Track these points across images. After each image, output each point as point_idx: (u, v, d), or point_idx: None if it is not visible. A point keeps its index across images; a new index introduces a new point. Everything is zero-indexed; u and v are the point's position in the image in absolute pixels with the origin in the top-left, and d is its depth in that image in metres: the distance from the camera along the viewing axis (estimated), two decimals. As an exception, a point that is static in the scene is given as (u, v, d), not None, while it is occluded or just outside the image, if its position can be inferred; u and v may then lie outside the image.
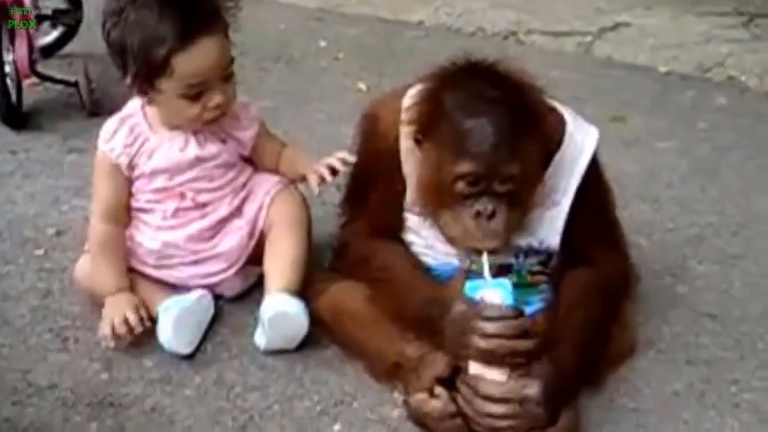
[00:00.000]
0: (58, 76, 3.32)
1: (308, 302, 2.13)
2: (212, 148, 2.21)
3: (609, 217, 2.16)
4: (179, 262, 2.24)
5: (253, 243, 2.28)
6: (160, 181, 2.20)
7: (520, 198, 1.91)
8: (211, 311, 2.23)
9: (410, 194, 2.04)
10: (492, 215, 1.88)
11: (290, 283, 2.18)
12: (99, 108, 3.17)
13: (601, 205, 2.11)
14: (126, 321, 2.08)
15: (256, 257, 2.28)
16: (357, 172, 2.19)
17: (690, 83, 3.70)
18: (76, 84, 3.27)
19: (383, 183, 2.07)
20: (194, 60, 2.07)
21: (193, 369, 2.07)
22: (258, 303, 2.18)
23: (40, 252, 2.47)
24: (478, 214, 1.88)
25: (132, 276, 2.22)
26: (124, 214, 2.22)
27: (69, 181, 2.83)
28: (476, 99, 1.86)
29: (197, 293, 2.20)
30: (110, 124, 2.21)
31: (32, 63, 3.14)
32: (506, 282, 1.88)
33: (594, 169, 2.05)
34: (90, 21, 3.60)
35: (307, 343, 2.12)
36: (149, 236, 2.23)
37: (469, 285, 1.88)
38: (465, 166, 1.85)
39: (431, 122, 1.90)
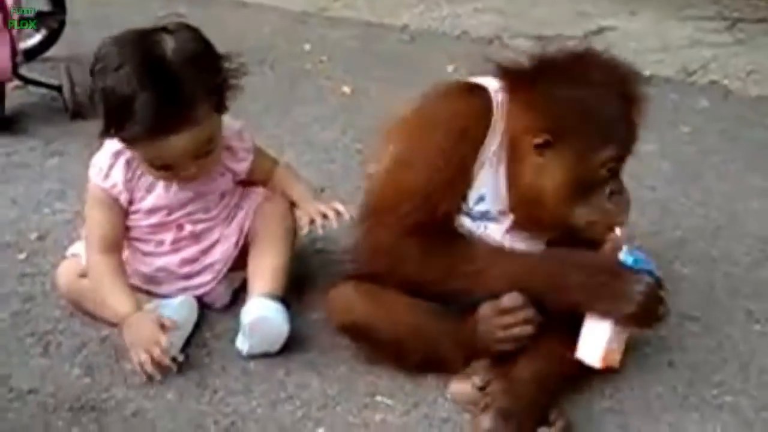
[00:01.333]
0: (41, 79, 3.31)
1: (290, 307, 2.14)
2: (210, 182, 2.20)
3: None
4: (169, 279, 2.24)
5: (237, 251, 2.27)
6: (158, 217, 2.19)
7: None
8: (195, 315, 2.22)
9: (473, 195, 2.02)
10: (621, 191, 1.99)
11: (272, 288, 2.17)
12: (82, 111, 3.15)
13: None
14: (154, 359, 2.01)
15: (239, 264, 2.27)
16: (421, 173, 1.98)
17: (673, 87, 3.71)
18: (59, 87, 3.26)
19: (451, 182, 1.99)
20: (158, 151, 2.02)
21: (176, 373, 2.06)
22: (239, 307, 2.18)
23: (21, 256, 2.46)
24: (612, 193, 1.96)
25: None
26: (120, 243, 2.19)
27: (51, 184, 2.82)
28: (599, 87, 1.91)
29: (180, 298, 2.19)
30: (103, 158, 2.14)
31: (15, 66, 3.13)
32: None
33: None
34: (73, 24, 3.61)
35: (289, 347, 2.12)
36: (141, 261, 2.23)
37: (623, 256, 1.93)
38: (611, 151, 1.93)
39: (566, 120, 1.91)
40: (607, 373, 1.99)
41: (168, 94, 1.96)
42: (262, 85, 3.62)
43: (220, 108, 2.08)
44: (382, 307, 2.00)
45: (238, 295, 2.27)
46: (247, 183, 2.33)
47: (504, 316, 1.95)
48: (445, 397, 2.00)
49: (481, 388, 1.92)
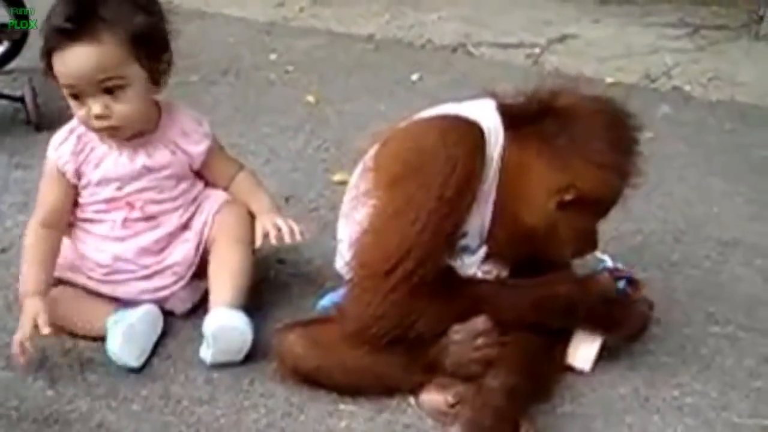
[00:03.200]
0: (4, 91, 3.29)
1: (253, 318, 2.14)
2: (161, 159, 2.20)
3: None
4: (129, 277, 2.23)
5: (198, 257, 2.27)
6: (108, 191, 2.19)
7: None
8: (160, 325, 2.21)
9: (478, 232, 2.03)
10: None
11: (233, 297, 2.17)
12: (45, 123, 3.14)
13: None
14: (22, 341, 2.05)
15: (201, 271, 2.27)
16: (424, 227, 1.88)
17: (636, 93, 3.74)
18: (21, 99, 3.24)
19: (455, 230, 1.95)
20: (62, 64, 2.05)
21: (140, 383, 2.06)
22: (203, 316, 2.18)
23: (-16, 269, 2.45)
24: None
25: (78, 291, 2.20)
26: (63, 221, 2.20)
27: (14, 197, 2.80)
28: (619, 150, 1.96)
29: (145, 307, 2.18)
30: (61, 132, 2.20)
31: (-23, 78, 3.12)
32: None
33: None
34: (36, 36, 3.59)
35: (254, 356, 2.11)
36: (97, 248, 2.22)
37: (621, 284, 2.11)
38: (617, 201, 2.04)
39: (592, 184, 1.93)
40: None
41: (81, 7, 2.04)
42: (227, 95, 3.64)
43: (140, 54, 2.08)
44: (331, 351, 1.99)
45: (201, 303, 2.27)
46: (207, 183, 2.33)
47: (478, 339, 1.97)
48: (408, 404, 2.01)
49: (453, 405, 1.93)
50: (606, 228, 2.64)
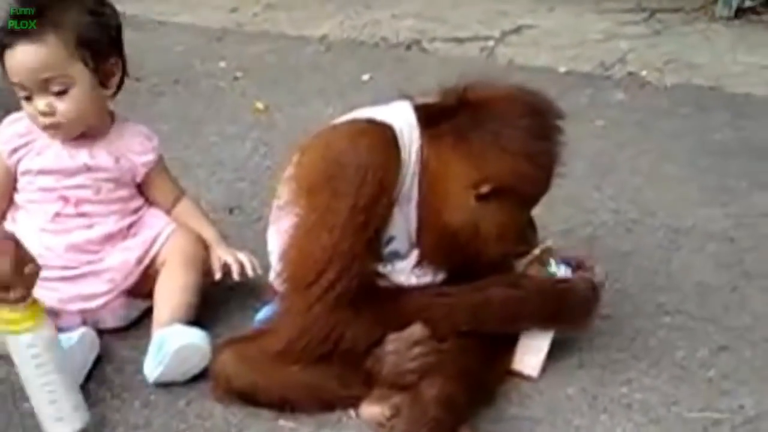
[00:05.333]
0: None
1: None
2: (103, 161, 2.20)
3: None
4: (59, 276, 2.16)
5: (140, 270, 2.21)
6: (45, 181, 2.19)
7: None
8: (96, 349, 2.15)
9: (407, 232, 1.97)
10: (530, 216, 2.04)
11: (187, 313, 2.14)
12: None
13: None
14: None
15: (141, 291, 2.22)
16: (340, 236, 1.84)
17: (589, 81, 3.71)
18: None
19: (373, 238, 1.89)
20: (9, 62, 2.10)
21: (75, 411, 2.00)
22: (140, 336, 2.13)
23: None
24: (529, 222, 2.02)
25: None
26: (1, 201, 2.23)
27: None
28: (537, 137, 1.87)
29: (80, 331, 2.12)
30: (10, 117, 2.24)
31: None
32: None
33: None
34: None
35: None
36: (29, 239, 2.14)
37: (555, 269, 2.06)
38: (544, 192, 1.97)
39: (507, 174, 1.86)
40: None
41: (30, 7, 2.09)
42: (174, 105, 3.59)
43: (85, 55, 2.11)
44: (264, 368, 1.93)
45: (135, 323, 2.23)
46: (149, 200, 2.31)
47: (414, 348, 1.92)
48: (349, 417, 1.96)
49: (390, 417, 1.88)
50: (555, 220, 2.62)
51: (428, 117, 1.91)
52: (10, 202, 2.24)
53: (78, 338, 2.09)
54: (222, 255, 2.24)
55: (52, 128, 2.16)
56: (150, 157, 2.26)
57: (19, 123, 2.21)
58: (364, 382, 1.94)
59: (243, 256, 2.24)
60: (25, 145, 2.20)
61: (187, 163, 3.01)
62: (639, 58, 3.98)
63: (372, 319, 1.90)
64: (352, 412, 1.96)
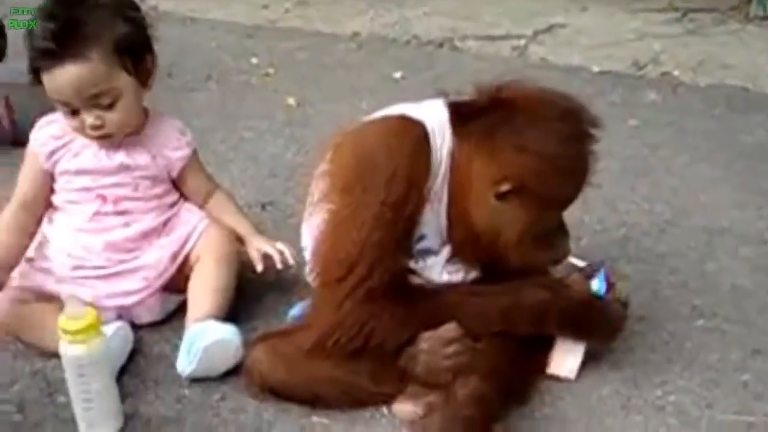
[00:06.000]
0: (-21, 108, 3.25)
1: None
2: (140, 159, 2.20)
3: None
4: (95, 275, 2.18)
5: (175, 267, 2.22)
6: (83, 182, 2.19)
7: None
8: (130, 343, 2.17)
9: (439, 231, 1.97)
10: (563, 224, 2.01)
11: (220, 309, 2.15)
12: (21, 139, 3.08)
13: None
14: None
15: (176, 286, 2.23)
16: (370, 232, 1.85)
17: (622, 81, 3.69)
18: (-4, 115, 3.20)
19: (404, 234, 1.90)
20: (52, 83, 2.07)
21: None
22: (174, 330, 2.14)
23: (-45, 288, 2.40)
24: (559, 227, 1.99)
25: (47, 305, 2.14)
26: (41, 205, 2.22)
27: (-10, 215, 2.76)
28: (565, 140, 1.84)
29: (115, 325, 2.13)
30: (49, 116, 2.23)
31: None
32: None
33: None
34: (14, 51, 3.55)
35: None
36: (66, 238, 2.20)
37: (596, 286, 2.02)
38: (570, 198, 1.94)
39: (530, 173, 1.83)
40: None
41: (64, 25, 2.04)
42: (207, 101, 3.60)
43: (127, 62, 2.10)
44: (297, 364, 1.94)
45: (170, 317, 2.23)
46: (184, 195, 2.32)
47: (449, 347, 1.91)
48: (382, 414, 1.96)
49: (424, 416, 1.88)
50: (589, 220, 2.61)
51: (460, 115, 1.90)
52: (49, 204, 2.24)
53: (113, 332, 2.10)
54: (261, 246, 2.25)
55: (101, 139, 2.15)
56: (185, 151, 2.27)
57: (53, 125, 2.21)
58: (398, 380, 1.94)
59: (281, 245, 2.25)
60: (63, 146, 2.19)
61: (221, 159, 3.02)
62: (672, 58, 3.95)
63: (404, 316, 1.90)
64: (384, 410, 1.96)
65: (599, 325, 2.01)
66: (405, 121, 1.90)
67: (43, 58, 2.06)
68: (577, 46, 4.15)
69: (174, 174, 2.27)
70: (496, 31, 4.33)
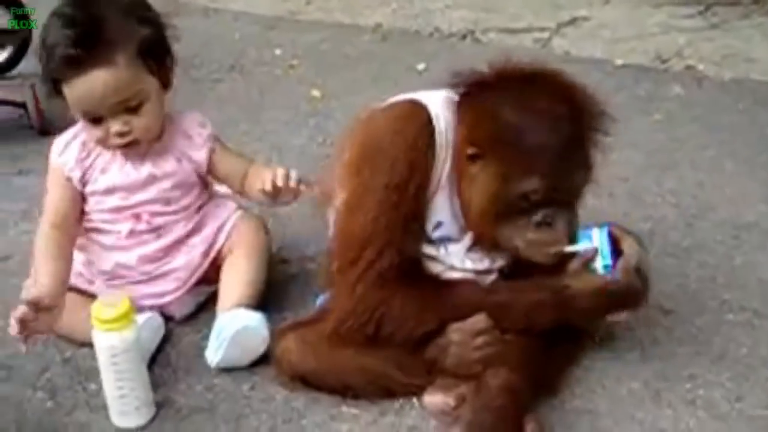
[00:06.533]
0: (6, 97, 3.27)
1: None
2: (167, 166, 2.18)
3: None
4: (129, 281, 2.20)
5: (207, 263, 2.24)
6: (114, 200, 2.17)
7: (576, 203, 1.93)
8: (161, 332, 2.18)
9: (444, 213, 1.96)
10: (555, 222, 1.87)
11: (250, 300, 2.16)
12: (48, 128, 3.11)
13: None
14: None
15: (208, 278, 2.25)
16: (376, 215, 1.88)
17: (647, 74, 3.67)
18: (24, 105, 3.22)
19: (410, 217, 1.91)
20: (76, 92, 2.02)
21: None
22: (205, 321, 2.16)
23: (-15, 278, 2.42)
24: (539, 224, 1.86)
25: (78, 295, 2.16)
26: (73, 226, 2.17)
27: (17, 204, 2.78)
28: (539, 113, 1.80)
29: (146, 315, 2.14)
30: (64, 137, 2.17)
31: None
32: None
33: None
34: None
35: (254, 360, 2.08)
36: (101, 256, 2.19)
37: (601, 260, 1.90)
38: (533, 184, 1.81)
39: (493, 138, 1.83)
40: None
41: (86, 31, 2.00)
42: (231, 92, 3.61)
43: (150, 64, 2.07)
44: (326, 354, 1.96)
45: (202, 308, 2.25)
46: (211, 192, 2.31)
47: (478, 338, 1.92)
48: (411, 405, 1.97)
49: (455, 407, 1.89)
50: (615, 213, 2.60)
51: (464, 95, 1.91)
52: (80, 224, 2.20)
53: (144, 322, 2.11)
54: (264, 173, 2.15)
55: (127, 147, 2.11)
56: (208, 147, 2.23)
57: (75, 144, 2.15)
58: (426, 372, 1.95)
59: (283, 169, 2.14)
60: (90, 167, 2.15)
61: (246, 150, 3.00)
62: (696, 52, 3.93)
63: (417, 306, 1.90)
64: (414, 401, 1.97)
65: (622, 302, 1.93)
66: (410, 104, 1.93)
67: (67, 66, 2.00)
68: (601, 39, 4.13)
69: (203, 171, 2.24)
70: (519, 24, 4.32)
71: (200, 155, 2.22)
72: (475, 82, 1.90)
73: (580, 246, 1.91)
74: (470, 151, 1.85)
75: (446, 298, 1.93)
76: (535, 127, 1.80)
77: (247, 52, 4.03)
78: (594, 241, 1.91)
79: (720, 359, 2.10)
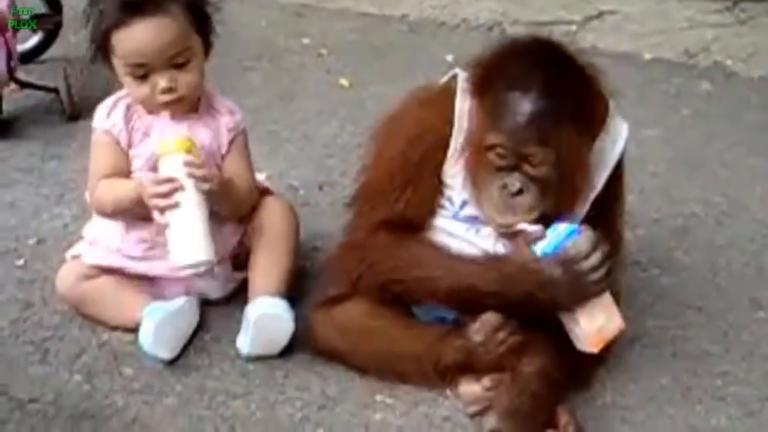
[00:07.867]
0: (38, 82, 3.29)
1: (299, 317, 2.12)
2: (202, 136, 2.17)
3: (618, 213, 2.09)
4: (166, 250, 2.19)
5: (236, 240, 2.26)
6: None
7: (554, 182, 1.89)
8: (196, 318, 2.20)
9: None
10: (519, 193, 1.88)
11: (277, 287, 2.16)
12: (80, 113, 3.13)
13: (617, 199, 2.06)
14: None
15: (240, 263, 2.26)
16: (390, 160, 2.01)
17: (675, 70, 3.68)
18: (56, 90, 3.23)
19: (409, 184, 1.99)
20: (130, 41, 2.04)
21: (175, 377, 2.05)
22: (241, 309, 2.17)
23: (20, 262, 2.43)
24: (504, 187, 1.89)
25: (113, 280, 2.19)
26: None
27: (50, 189, 2.79)
28: (526, 75, 1.84)
29: (182, 299, 2.16)
30: (106, 103, 2.19)
31: (11, 70, 3.11)
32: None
33: (622, 161, 2.02)
34: (69, 25, 3.59)
35: (288, 348, 2.10)
36: (138, 224, 2.18)
37: (544, 245, 1.86)
38: (495, 138, 1.86)
39: (483, 85, 1.91)
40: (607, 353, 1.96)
41: None
42: (260, 80, 3.61)
43: (197, 23, 2.10)
44: (358, 335, 2.02)
45: (237, 295, 2.26)
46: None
47: (498, 334, 1.93)
48: (445, 396, 1.99)
49: (490, 389, 1.92)
50: (646, 209, 2.62)
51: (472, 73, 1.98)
52: None
53: (180, 306, 2.13)
54: None
55: (172, 104, 2.11)
56: (233, 133, 2.24)
57: (118, 110, 2.16)
58: (460, 371, 1.98)
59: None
60: (133, 128, 2.16)
61: (277, 138, 3.04)
62: (724, 48, 3.93)
63: (396, 259, 1.96)
64: (447, 391, 1.99)
65: (584, 289, 1.84)
66: (436, 86, 2.09)
67: (122, 13, 2.02)
68: (627, 33, 4.13)
69: (223, 150, 2.23)
70: (546, 17, 4.32)
71: (223, 139, 2.23)
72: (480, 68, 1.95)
73: (530, 226, 1.89)
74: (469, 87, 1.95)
75: (413, 252, 1.96)
76: (515, 82, 1.85)
77: (275, 41, 4.03)
78: (557, 231, 1.87)
79: (750, 356, 2.12)
